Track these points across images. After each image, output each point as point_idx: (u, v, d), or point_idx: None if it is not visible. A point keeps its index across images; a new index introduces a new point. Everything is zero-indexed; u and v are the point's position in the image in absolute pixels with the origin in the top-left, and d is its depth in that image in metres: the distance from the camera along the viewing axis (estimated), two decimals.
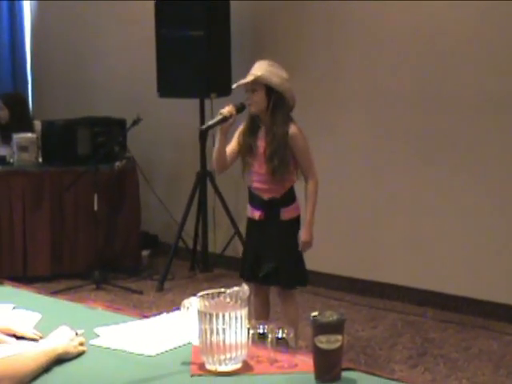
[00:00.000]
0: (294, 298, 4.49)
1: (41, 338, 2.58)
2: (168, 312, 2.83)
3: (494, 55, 5.36)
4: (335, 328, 2.27)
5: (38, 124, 6.77)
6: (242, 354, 2.37)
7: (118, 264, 6.62)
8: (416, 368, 4.72)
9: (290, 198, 4.35)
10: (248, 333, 2.42)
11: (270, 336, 2.43)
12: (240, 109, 4.20)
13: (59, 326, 2.54)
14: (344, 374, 2.30)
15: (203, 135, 5.99)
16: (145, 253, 6.97)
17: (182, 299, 2.50)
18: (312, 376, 2.29)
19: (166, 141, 7.20)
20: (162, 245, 7.10)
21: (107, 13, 7.54)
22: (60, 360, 2.41)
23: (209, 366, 2.37)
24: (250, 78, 4.23)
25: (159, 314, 2.85)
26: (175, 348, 2.53)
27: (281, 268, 4.34)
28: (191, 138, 6.44)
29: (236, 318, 2.33)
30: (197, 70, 6.17)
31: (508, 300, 5.38)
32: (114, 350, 2.53)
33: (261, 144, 4.29)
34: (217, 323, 2.32)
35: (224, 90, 5.84)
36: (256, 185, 4.35)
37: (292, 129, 4.27)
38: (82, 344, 2.51)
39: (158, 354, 2.49)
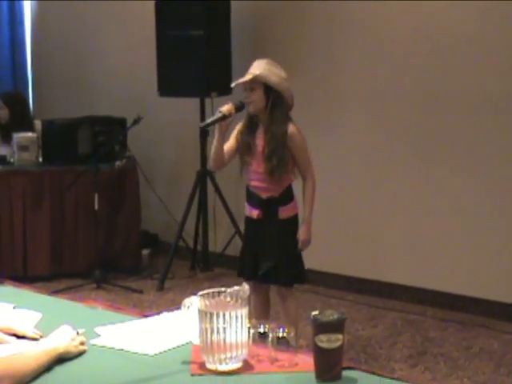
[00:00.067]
0: (293, 297, 4.50)
1: (41, 337, 2.58)
2: (168, 311, 2.83)
3: (494, 55, 5.36)
4: (336, 327, 2.28)
5: (38, 123, 6.77)
6: (243, 353, 2.37)
7: (118, 263, 6.63)
8: (416, 367, 4.72)
9: (288, 196, 4.36)
10: (248, 332, 2.42)
11: (270, 335, 2.43)
12: (239, 107, 4.21)
13: (60, 326, 2.54)
14: (344, 373, 2.30)
15: (203, 133, 6.01)
16: (145, 252, 6.97)
17: (183, 298, 2.51)
18: (312, 375, 2.30)
19: (166, 140, 7.20)
20: (163, 244, 7.10)
21: (107, 12, 7.54)
22: (61, 359, 2.41)
23: (209, 366, 2.37)
24: (248, 76, 4.24)
25: (159, 313, 2.85)
26: (176, 347, 2.53)
27: (279, 266, 4.35)
28: (191, 138, 6.44)
29: (236, 317, 2.33)
30: (197, 70, 6.17)
31: (508, 299, 5.38)
32: (114, 349, 2.53)
33: (259, 143, 4.29)
34: (217, 322, 2.32)
35: (224, 89, 5.84)
36: (254, 183, 4.36)
37: (291, 128, 4.27)
38: (82, 343, 2.51)
39: (158, 354, 2.49)
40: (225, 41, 6.30)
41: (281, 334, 2.43)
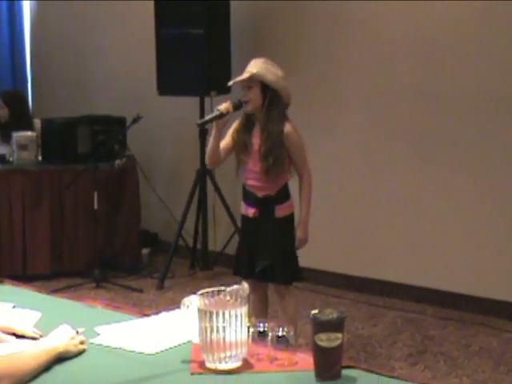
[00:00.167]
0: (291, 295, 4.50)
1: (41, 336, 2.58)
2: (168, 310, 2.83)
3: (494, 55, 5.36)
4: (335, 326, 2.28)
5: (37, 122, 6.77)
6: (242, 352, 2.37)
7: (117, 262, 6.63)
8: (416, 365, 4.72)
9: (284, 195, 4.36)
10: (248, 331, 2.42)
11: (270, 334, 2.43)
12: (237, 106, 4.22)
13: (59, 325, 2.54)
14: (344, 371, 2.30)
15: (203, 132, 6.01)
16: (145, 251, 6.97)
17: (182, 297, 2.51)
18: (312, 374, 2.30)
19: (165, 139, 7.20)
20: (162, 243, 7.10)
21: (107, 11, 7.54)
22: (60, 358, 2.41)
23: (209, 364, 2.37)
24: (245, 75, 4.25)
25: (159, 312, 2.85)
26: (175, 346, 2.53)
27: (275, 265, 4.35)
28: (191, 136, 6.44)
29: (236, 315, 2.33)
30: (196, 68, 6.17)
31: (508, 297, 5.38)
32: (114, 348, 2.53)
33: (256, 142, 4.30)
34: (217, 321, 2.32)
35: (224, 88, 5.80)
36: (250, 182, 4.36)
37: (287, 127, 4.28)
38: (82, 342, 2.51)
39: (158, 353, 2.49)
40: (224, 40, 6.30)
41: (280, 333, 2.43)
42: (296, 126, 4.33)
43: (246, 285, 2.40)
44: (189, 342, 2.52)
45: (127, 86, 7.40)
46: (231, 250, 6.33)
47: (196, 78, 6.19)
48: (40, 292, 3.22)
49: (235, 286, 2.39)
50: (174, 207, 6.82)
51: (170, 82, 6.30)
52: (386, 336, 5.20)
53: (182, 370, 2.38)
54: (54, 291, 4.92)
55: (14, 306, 2.91)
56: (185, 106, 6.71)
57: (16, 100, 6.91)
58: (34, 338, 2.58)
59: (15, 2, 8.24)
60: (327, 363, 2.28)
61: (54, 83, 8.14)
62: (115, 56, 7.52)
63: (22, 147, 6.50)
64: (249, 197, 4.39)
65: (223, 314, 2.32)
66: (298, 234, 4.40)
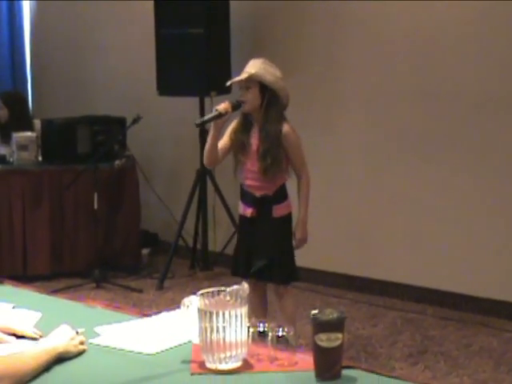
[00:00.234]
0: (290, 295, 4.50)
1: (41, 336, 2.58)
2: (168, 310, 2.83)
3: (494, 55, 5.36)
4: (335, 326, 2.27)
5: (37, 123, 6.77)
6: (242, 352, 2.37)
7: (117, 262, 6.63)
8: (416, 365, 4.72)
9: (281, 195, 4.37)
10: (248, 331, 2.42)
11: (270, 334, 2.43)
12: (236, 106, 4.23)
13: (59, 325, 2.54)
14: (344, 371, 2.30)
15: (203, 132, 6.01)
16: (145, 251, 6.97)
17: (182, 298, 2.51)
18: (312, 374, 2.30)
19: (165, 139, 7.20)
20: (162, 243, 7.10)
21: (106, 11, 7.54)
22: (60, 359, 2.41)
23: (209, 365, 2.37)
24: (243, 75, 4.26)
25: (159, 312, 2.85)
26: (175, 346, 2.53)
27: (273, 265, 4.36)
28: (191, 137, 6.44)
29: (236, 316, 2.33)
30: (196, 69, 6.17)
31: (508, 297, 5.38)
32: (114, 348, 2.53)
33: (254, 142, 4.30)
34: (217, 321, 2.32)
35: (224, 88, 5.81)
36: (248, 182, 4.37)
37: (285, 127, 4.28)
38: (82, 343, 2.51)
39: (158, 353, 2.49)
40: (224, 40, 6.30)
41: (280, 333, 2.43)
42: (294, 127, 4.34)
43: (246, 285, 2.40)
44: (189, 342, 2.51)
45: (127, 86, 7.40)
46: (231, 250, 6.31)
47: (196, 78, 6.19)
48: (40, 292, 3.22)
49: (235, 287, 2.39)
50: (173, 207, 6.81)
51: (169, 82, 6.30)
52: (386, 336, 5.19)
53: (182, 371, 2.38)
54: (54, 291, 4.92)
55: (14, 307, 2.91)
56: (185, 106, 6.71)
57: (16, 100, 6.91)
58: (34, 339, 2.58)
59: (15, 2, 8.24)
60: (327, 363, 2.28)
61: (53, 83, 8.14)
62: (115, 56, 7.52)
63: (22, 148, 6.50)
64: (246, 197, 4.40)
65: (223, 314, 2.32)
66: (297, 234, 4.40)
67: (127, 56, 7.41)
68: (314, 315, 2.30)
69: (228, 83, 4.43)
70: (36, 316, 2.80)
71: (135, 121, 6.13)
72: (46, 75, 8.23)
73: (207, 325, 2.33)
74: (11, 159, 6.54)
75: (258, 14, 6.50)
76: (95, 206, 6.17)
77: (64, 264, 6.52)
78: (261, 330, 2.50)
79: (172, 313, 2.78)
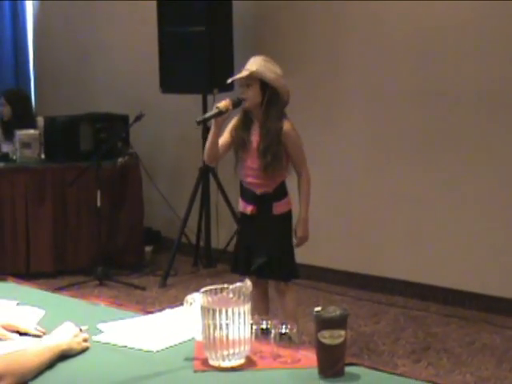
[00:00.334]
0: (291, 292, 4.50)
1: (44, 334, 2.59)
2: (171, 308, 2.83)
3: (494, 55, 5.35)
4: (338, 323, 2.28)
5: (40, 120, 6.77)
6: (245, 349, 2.37)
7: (120, 260, 6.63)
8: (419, 363, 4.72)
9: (281, 192, 4.37)
10: (251, 328, 2.42)
11: (273, 331, 2.43)
12: (236, 104, 4.23)
13: (63, 322, 2.54)
14: (347, 369, 2.31)
15: (205, 129, 6.00)
16: (148, 249, 6.97)
17: (185, 295, 2.51)
18: (315, 371, 2.30)
19: (168, 136, 7.20)
20: (165, 240, 7.10)
21: (109, 10, 7.54)
22: (64, 356, 2.41)
23: (212, 362, 2.37)
24: (244, 72, 4.26)
25: (162, 309, 2.85)
26: (178, 344, 2.53)
27: (273, 262, 4.36)
28: (194, 134, 6.44)
29: (239, 313, 2.33)
30: (199, 66, 6.17)
31: (511, 294, 5.38)
32: (117, 345, 2.54)
33: (254, 139, 4.30)
34: (220, 319, 2.32)
35: (226, 86, 5.82)
36: (248, 179, 4.37)
37: (285, 125, 4.28)
38: (85, 340, 2.52)
39: (161, 350, 2.49)
40: (227, 37, 6.30)
41: (283, 330, 2.43)
42: (294, 124, 4.34)
43: (248, 282, 2.40)
44: (192, 339, 2.52)
45: (130, 83, 7.40)
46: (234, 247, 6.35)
47: (198, 75, 6.19)
48: (43, 290, 3.23)
49: (238, 284, 2.39)
50: (176, 205, 6.82)
51: (172, 79, 6.31)
52: (388, 333, 5.19)
53: (185, 368, 2.38)
54: (58, 289, 4.91)
55: (17, 304, 2.91)
56: (187, 103, 6.71)
57: (19, 98, 6.92)
58: (37, 336, 2.58)
59: (18, 2, 8.25)
60: (330, 360, 2.28)
61: (56, 81, 8.14)
62: (118, 54, 7.52)
63: (25, 145, 6.51)
64: (247, 194, 4.40)
65: (226, 311, 2.32)
66: (298, 232, 4.40)
67: (130, 54, 7.41)
68: (316, 312, 2.30)
69: (229, 81, 4.43)
70: (39, 313, 2.80)
71: (138, 118, 6.12)
72: (48, 73, 8.24)
73: (210, 322, 2.33)
74: (14, 157, 6.55)
75: (260, 12, 6.50)
76: (98, 204, 6.17)
77: (67, 261, 6.53)
78: (264, 327, 2.50)
79: (175, 310, 2.78)
